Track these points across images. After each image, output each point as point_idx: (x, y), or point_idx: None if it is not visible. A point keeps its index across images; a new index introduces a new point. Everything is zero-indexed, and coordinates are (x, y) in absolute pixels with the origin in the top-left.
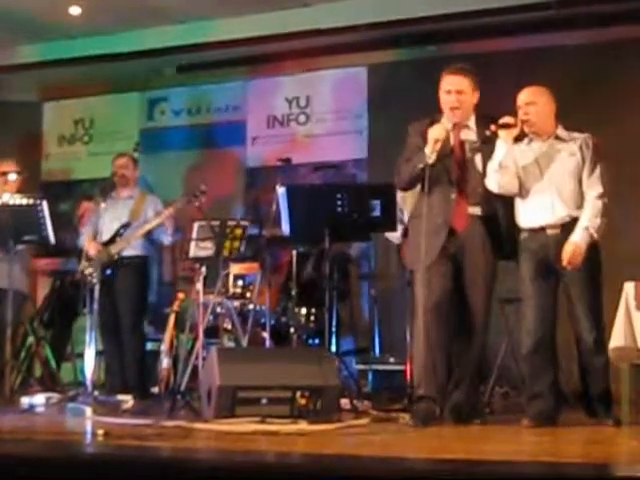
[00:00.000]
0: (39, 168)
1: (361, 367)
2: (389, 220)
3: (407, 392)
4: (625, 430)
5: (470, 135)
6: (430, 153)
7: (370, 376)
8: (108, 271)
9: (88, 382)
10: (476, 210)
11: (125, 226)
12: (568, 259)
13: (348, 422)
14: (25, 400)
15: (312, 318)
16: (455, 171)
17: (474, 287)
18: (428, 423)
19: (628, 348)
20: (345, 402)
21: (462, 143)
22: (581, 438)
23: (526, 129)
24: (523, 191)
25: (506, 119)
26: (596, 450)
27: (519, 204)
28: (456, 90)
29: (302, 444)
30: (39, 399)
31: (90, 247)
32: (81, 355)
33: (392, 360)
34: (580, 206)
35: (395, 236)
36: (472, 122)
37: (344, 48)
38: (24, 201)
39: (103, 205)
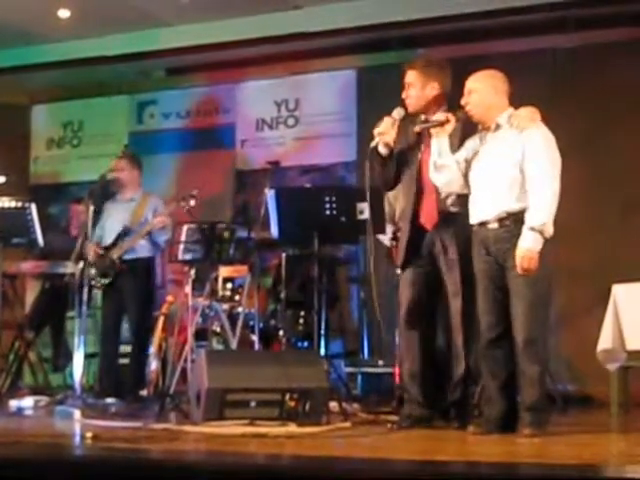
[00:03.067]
0: (28, 171)
1: (350, 370)
2: (377, 222)
3: (396, 394)
4: (614, 431)
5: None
6: (376, 145)
7: (359, 379)
8: (111, 276)
9: (77, 385)
10: (447, 207)
11: (126, 230)
12: (520, 265)
13: (337, 424)
14: (14, 403)
15: (301, 321)
16: (416, 166)
17: (448, 286)
18: (413, 426)
19: (616, 350)
20: (334, 405)
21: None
22: (571, 440)
23: (472, 118)
24: (469, 186)
25: (436, 116)
26: (585, 452)
27: (469, 198)
28: (407, 83)
29: (291, 446)
30: (28, 402)
31: (90, 251)
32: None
33: (381, 363)
34: (523, 199)
35: (386, 238)
36: (440, 116)
37: (333, 51)
38: (12, 204)
39: (92, 208)
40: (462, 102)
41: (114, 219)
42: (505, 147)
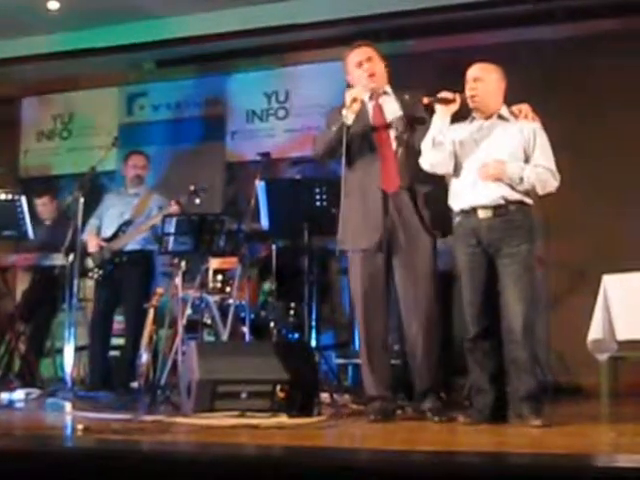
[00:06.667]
0: (18, 164)
1: (341, 361)
2: None
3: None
4: (604, 421)
5: (390, 102)
6: (347, 113)
7: (350, 370)
8: (109, 267)
9: (68, 377)
10: (404, 180)
11: (127, 223)
12: (485, 167)
13: (327, 415)
14: (4, 396)
15: (292, 312)
16: (376, 137)
17: (410, 265)
18: (387, 418)
19: (606, 341)
20: (325, 396)
21: (380, 108)
22: (561, 430)
23: (471, 105)
24: (458, 169)
25: (444, 94)
26: (576, 441)
27: (453, 184)
28: (366, 58)
29: (282, 437)
30: (18, 395)
31: (91, 242)
32: (60, 351)
33: None
34: (517, 189)
35: None
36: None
37: (323, 42)
38: (2, 197)
39: (82, 200)
40: (468, 88)
41: (114, 211)
42: (507, 138)
